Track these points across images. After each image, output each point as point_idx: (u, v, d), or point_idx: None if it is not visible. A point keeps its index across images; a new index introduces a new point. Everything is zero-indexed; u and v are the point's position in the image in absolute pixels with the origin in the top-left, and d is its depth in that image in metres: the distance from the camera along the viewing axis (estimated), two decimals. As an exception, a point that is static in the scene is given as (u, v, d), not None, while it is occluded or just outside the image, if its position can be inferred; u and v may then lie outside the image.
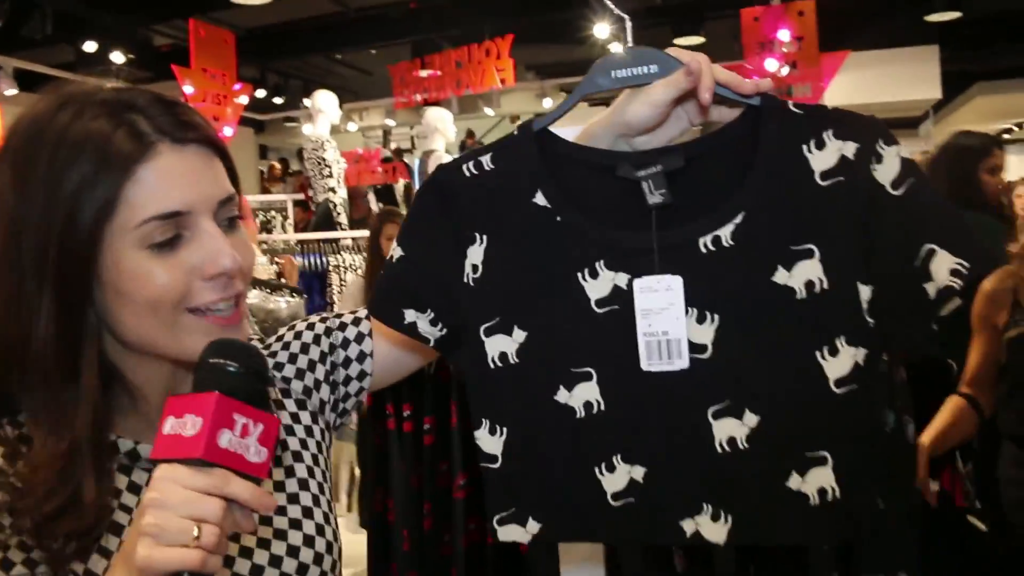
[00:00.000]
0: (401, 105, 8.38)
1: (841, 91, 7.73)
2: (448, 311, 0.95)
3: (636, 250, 0.89)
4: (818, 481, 0.88)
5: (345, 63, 10.80)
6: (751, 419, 0.88)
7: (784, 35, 6.04)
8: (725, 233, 0.87)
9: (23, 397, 0.83)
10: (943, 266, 0.83)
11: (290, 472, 0.96)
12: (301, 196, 7.06)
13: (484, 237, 0.93)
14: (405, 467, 1.80)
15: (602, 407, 0.90)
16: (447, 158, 6.09)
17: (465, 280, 0.94)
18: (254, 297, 3.00)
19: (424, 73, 8.02)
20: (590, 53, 8.29)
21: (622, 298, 0.89)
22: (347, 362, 1.04)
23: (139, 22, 8.16)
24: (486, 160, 0.94)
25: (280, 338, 1.05)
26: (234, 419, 0.68)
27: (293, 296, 3.11)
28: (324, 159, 5.96)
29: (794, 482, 0.88)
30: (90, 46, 7.59)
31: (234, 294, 0.85)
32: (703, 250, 0.88)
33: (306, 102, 9.36)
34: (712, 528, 0.90)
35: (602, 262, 0.90)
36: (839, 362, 0.87)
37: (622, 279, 0.89)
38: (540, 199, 0.91)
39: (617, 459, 0.91)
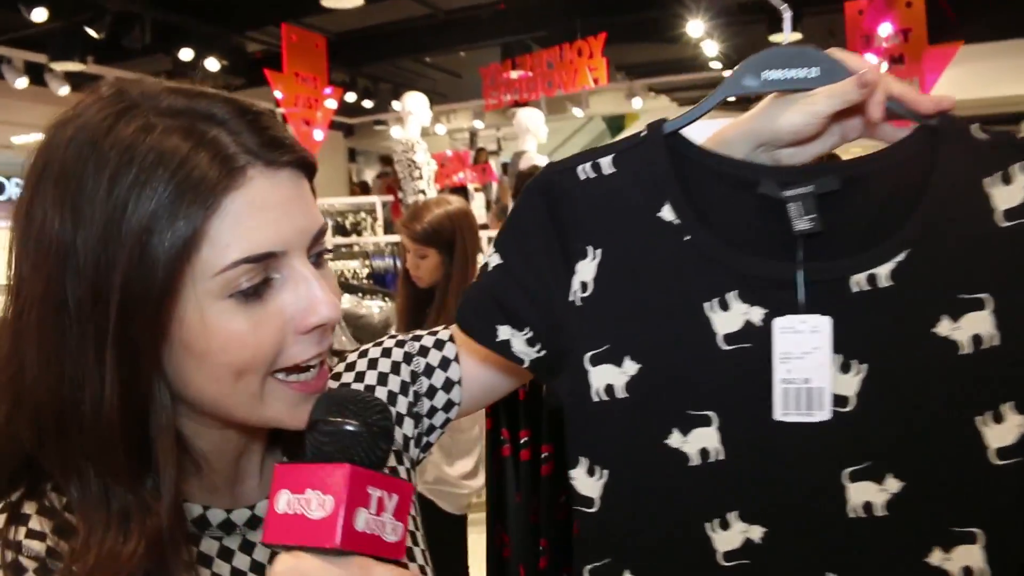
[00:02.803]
0: (491, 107, 8.52)
1: (951, 86, 7.32)
2: (549, 331, 0.85)
3: (776, 282, 0.77)
4: (964, 559, 0.77)
5: (434, 66, 10.75)
6: (893, 484, 0.77)
7: (884, 29, 5.71)
8: (883, 272, 0.75)
9: (59, 478, 0.67)
10: None
11: None
12: (390, 198, 7.00)
13: (598, 252, 0.82)
14: (522, 498, 1.66)
15: (720, 456, 0.79)
16: (538, 158, 6.11)
17: (571, 299, 0.83)
18: (345, 302, 2.86)
19: (515, 74, 8.09)
20: (682, 52, 8.13)
21: (755, 336, 0.78)
22: (432, 391, 0.92)
23: (233, 30, 8.29)
24: (606, 163, 0.83)
25: (351, 367, 0.91)
26: (369, 494, 0.58)
27: (386, 300, 2.97)
28: (414, 161, 5.94)
29: (936, 558, 0.77)
30: (186, 54, 7.71)
31: (327, 348, 0.73)
32: (855, 289, 0.76)
33: (395, 105, 9.53)
34: None
35: (735, 293, 0.78)
36: (1003, 431, 0.75)
37: (756, 314, 0.78)
38: (667, 213, 0.80)
39: (733, 516, 0.80)
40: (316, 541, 0.56)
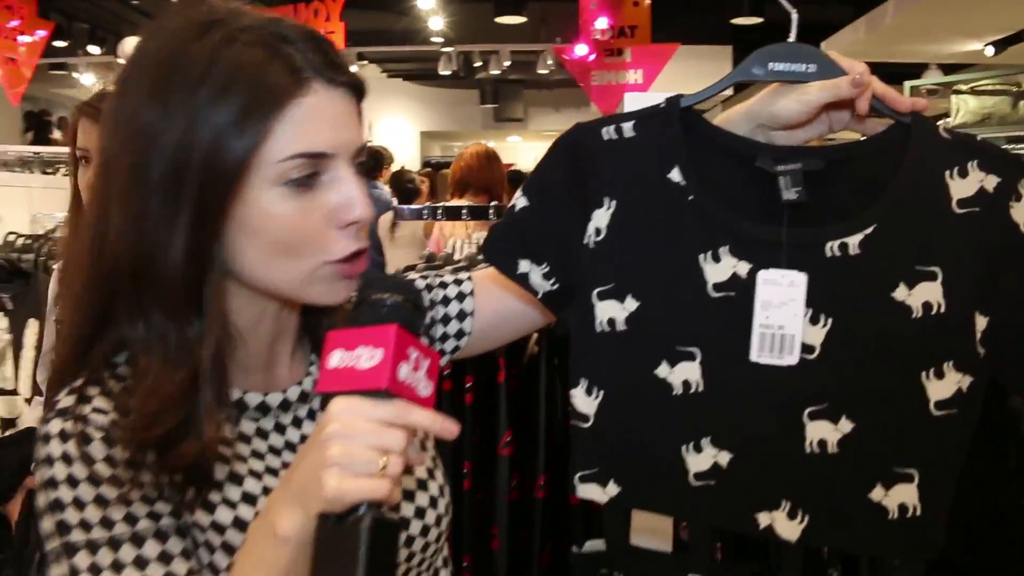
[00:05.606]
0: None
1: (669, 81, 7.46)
2: (564, 268, 0.98)
3: (763, 242, 0.90)
4: (901, 497, 0.89)
5: (141, 10, 9.33)
6: (846, 425, 0.90)
7: (601, 23, 6.05)
8: (853, 241, 0.88)
9: (127, 326, 0.80)
10: None
11: None
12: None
13: (613, 203, 0.95)
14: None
15: (700, 388, 0.93)
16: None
17: (586, 241, 0.96)
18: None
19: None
20: (409, 24, 8.09)
21: (740, 286, 0.91)
22: (446, 319, 1.04)
23: None
24: (627, 127, 0.96)
25: None
26: (408, 352, 0.68)
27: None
28: None
29: (877, 494, 0.90)
30: None
31: (364, 246, 0.84)
32: (828, 254, 0.89)
33: (92, 48, 9.00)
34: (786, 525, 0.92)
35: (727, 248, 0.91)
36: (943, 385, 0.88)
37: (743, 268, 0.91)
38: (676, 175, 0.93)
39: (706, 441, 0.93)
40: (367, 384, 0.66)
